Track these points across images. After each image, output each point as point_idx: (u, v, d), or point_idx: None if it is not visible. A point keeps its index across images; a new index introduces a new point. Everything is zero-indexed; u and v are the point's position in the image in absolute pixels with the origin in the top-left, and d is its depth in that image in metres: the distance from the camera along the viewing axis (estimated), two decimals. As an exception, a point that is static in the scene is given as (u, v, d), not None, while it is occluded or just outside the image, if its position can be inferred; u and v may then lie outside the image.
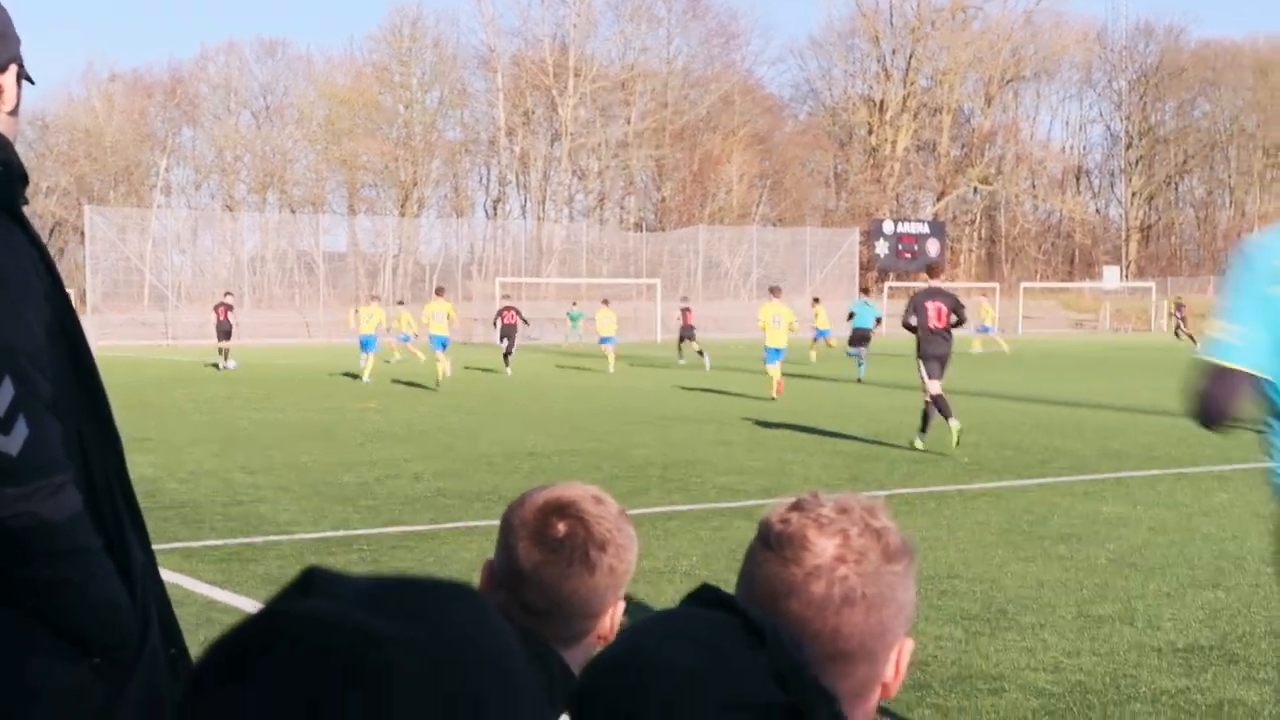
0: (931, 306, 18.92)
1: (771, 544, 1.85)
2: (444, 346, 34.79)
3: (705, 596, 1.80)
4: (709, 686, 1.64)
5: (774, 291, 31.22)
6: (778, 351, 28.92)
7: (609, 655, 1.74)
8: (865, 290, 35.85)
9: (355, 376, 36.72)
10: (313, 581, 1.03)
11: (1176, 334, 67.69)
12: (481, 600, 1.05)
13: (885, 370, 39.06)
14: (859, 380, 34.62)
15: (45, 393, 2.59)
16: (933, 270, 20.89)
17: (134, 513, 2.87)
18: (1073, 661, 7.52)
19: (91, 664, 2.63)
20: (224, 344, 44.64)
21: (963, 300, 19.59)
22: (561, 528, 2.40)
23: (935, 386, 18.58)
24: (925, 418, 18.65)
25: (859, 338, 37.06)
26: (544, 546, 2.40)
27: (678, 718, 1.63)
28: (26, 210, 2.87)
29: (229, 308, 45.25)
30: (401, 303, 62.40)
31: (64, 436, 2.64)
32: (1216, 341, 4.04)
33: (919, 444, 18.45)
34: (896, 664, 1.87)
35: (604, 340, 44.35)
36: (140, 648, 2.72)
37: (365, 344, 37.12)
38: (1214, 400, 4.06)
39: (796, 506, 1.88)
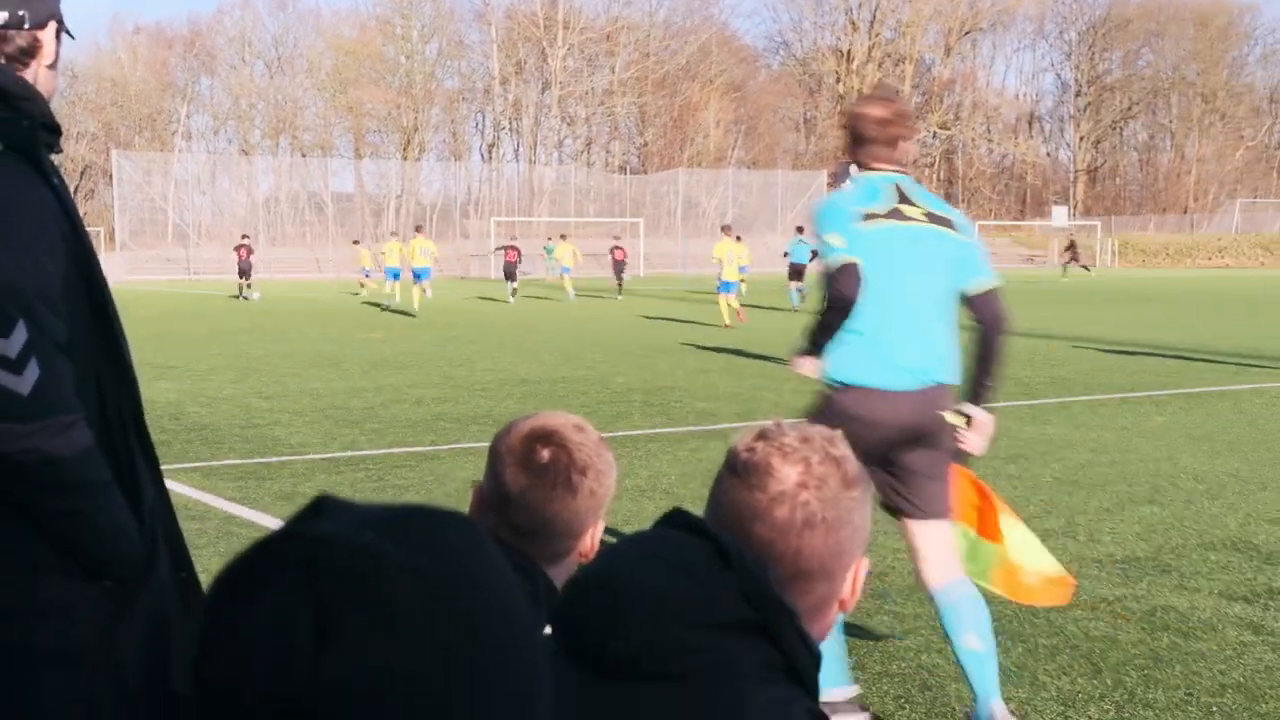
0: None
1: (738, 471, 1.86)
2: (424, 277, 37.00)
3: (676, 520, 1.82)
4: (682, 606, 1.65)
5: (725, 230, 32.63)
6: (729, 285, 30.19)
7: (587, 575, 1.76)
8: (801, 230, 40.20)
9: (379, 306, 36.63)
10: (323, 507, 1.04)
11: (1065, 270, 68.22)
12: (476, 527, 1.06)
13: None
14: (794, 309, 35.66)
15: (59, 335, 2.57)
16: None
17: (147, 451, 2.87)
18: (1019, 572, 7.56)
19: (101, 586, 2.64)
20: (245, 280, 44.91)
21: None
22: (545, 454, 2.42)
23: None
24: None
25: (795, 272, 37.82)
26: (529, 472, 2.42)
27: (653, 635, 1.65)
28: (59, 158, 2.85)
29: (249, 249, 45.54)
30: (395, 233, 62.09)
31: (80, 377, 2.62)
32: (833, 248, 5.10)
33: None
34: (853, 582, 1.89)
35: (563, 270, 47.64)
36: (148, 572, 2.73)
37: (419, 275, 37.53)
38: (843, 287, 5.04)
39: (761, 436, 1.89)
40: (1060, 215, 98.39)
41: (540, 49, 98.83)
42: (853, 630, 6.26)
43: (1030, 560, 5.18)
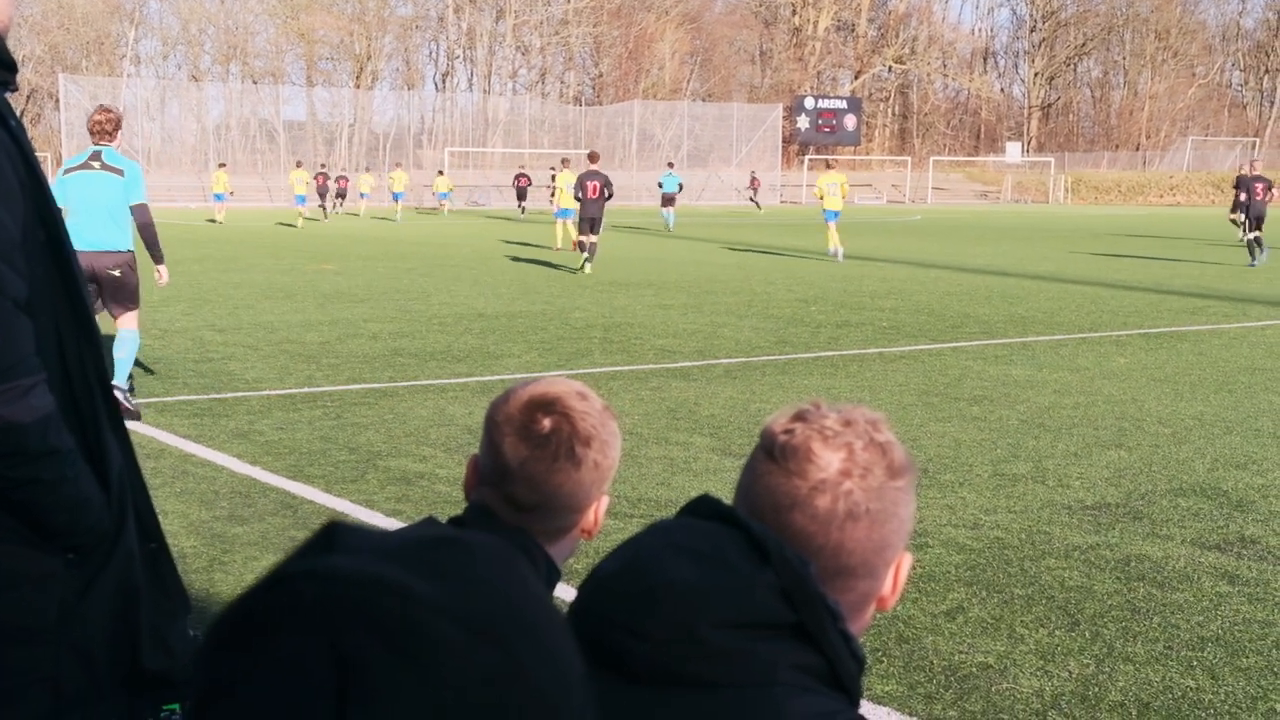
0: (589, 184, 26.77)
1: (775, 455, 1.69)
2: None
3: (704, 507, 1.66)
4: (714, 604, 1.50)
5: (565, 163, 35.32)
6: (566, 211, 31.94)
7: (609, 571, 1.60)
8: (671, 165, 49.21)
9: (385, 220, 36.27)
10: (334, 537, 0.89)
11: (754, 202, 72.05)
12: (509, 551, 0.92)
13: (813, 238, 39.10)
14: (668, 229, 44.89)
15: (18, 291, 2.39)
16: (593, 157, 28.68)
17: (112, 411, 2.68)
18: (990, 519, 7.49)
19: (65, 558, 2.46)
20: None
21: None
22: (547, 423, 2.26)
23: (593, 237, 26.54)
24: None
25: (666, 200, 47.69)
26: (530, 442, 2.25)
27: (682, 637, 1.50)
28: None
29: (325, 176, 55.14)
30: (400, 164, 68.57)
31: (42, 334, 2.44)
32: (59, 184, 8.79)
33: (588, 269, 25.80)
34: (895, 579, 1.74)
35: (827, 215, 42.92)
36: (114, 543, 2.56)
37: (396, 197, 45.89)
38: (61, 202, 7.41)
39: (799, 417, 1.71)
40: (1014, 151, 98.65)
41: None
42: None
43: None
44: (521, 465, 2.24)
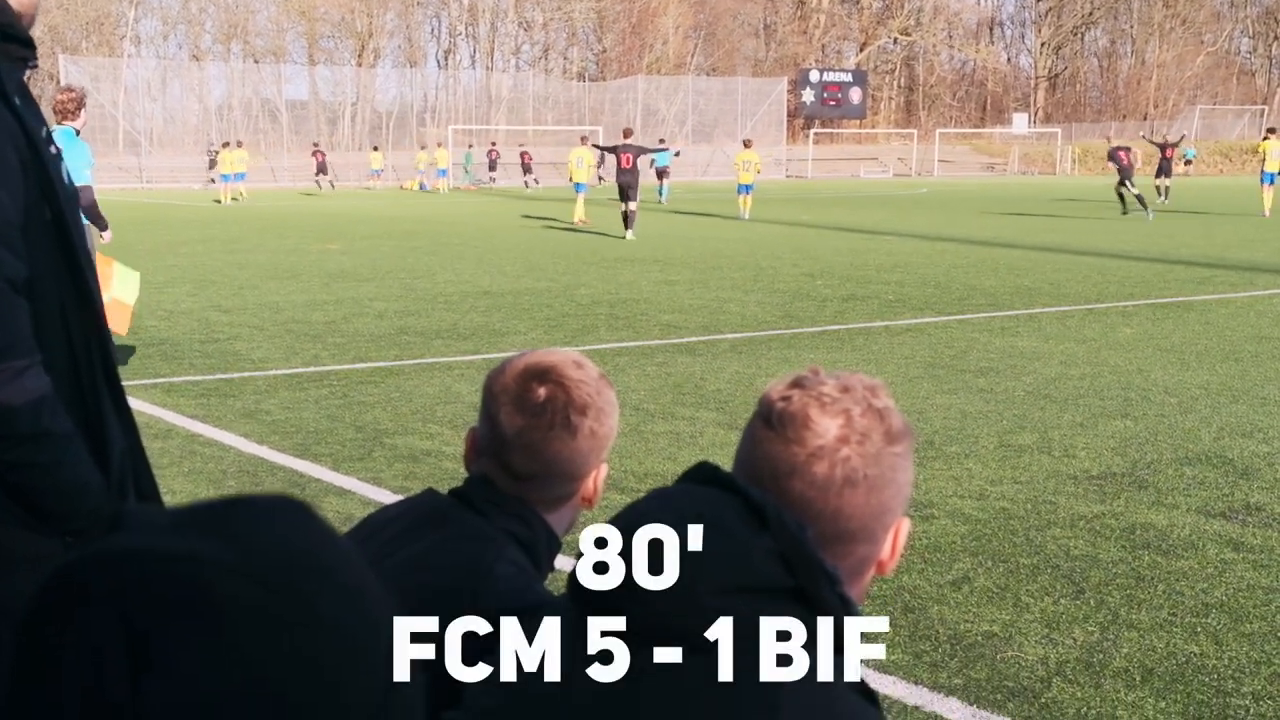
0: (624, 155, 29.58)
1: (773, 423, 1.72)
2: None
3: (703, 474, 1.69)
4: (716, 569, 1.54)
5: (584, 140, 37.80)
6: (581, 186, 34.30)
7: (608, 534, 1.64)
8: (662, 140, 55.83)
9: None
10: (123, 519, 0.91)
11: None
12: (308, 511, 0.93)
13: (820, 212, 39.08)
14: (660, 202, 45.87)
15: (15, 273, 2.39)
16: (626, 133, 31.47)
17: (116, 392, 2.68)
18: (996, 489, 7.53)
19: (63, 540, 2.48)
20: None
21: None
22: (542, 392, 2.29)
23: (631, 205, 28.73)
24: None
25: (660, 173, 49.03)
26: (525, 412, 2.29)
27: (685, 602, 1.53)
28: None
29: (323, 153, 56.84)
30: (441, 144, 69.56)
31: (45, 313, 2.45)
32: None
33: (630, 236, 28.02)
34: (893, 544, 1.78)
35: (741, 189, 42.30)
36: None
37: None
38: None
39: (797, 384, 1.74)
40: (1021, 122, 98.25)
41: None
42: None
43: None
44: (518, 434, 2.28)
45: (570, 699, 1.57)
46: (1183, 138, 45.95)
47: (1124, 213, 36.41)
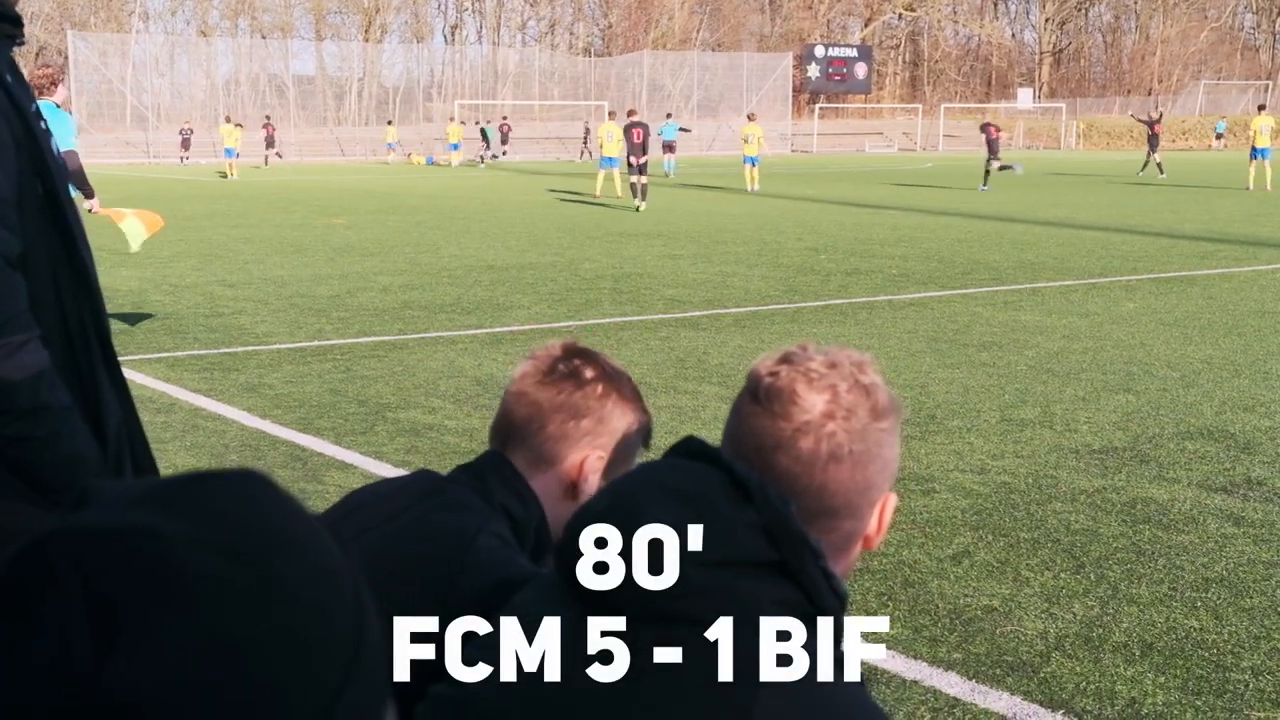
0: (634, 130, 31.34)
1: (760, 398, 1.70)
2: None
3: (689, 448, 1.67)
4: (699, 543, 1.52)
5: (612, 115, 37.61)
6: (611, 160, 33.99)
7: (595, 509, 1.62)
8: (670, 115, 54.99)
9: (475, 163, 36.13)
10: (87, 496, 0.90)
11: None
12: (272, 485, 0.91)
13: (825, 187, 39.04)
14: (667, 175, 46.46)
15: (10, 249, 2.38)
16: (631, 113, 33.57)
17: (111, 364, 2.67)
18: (997, 463, 7.49)
19: (60, 512, 2.46)
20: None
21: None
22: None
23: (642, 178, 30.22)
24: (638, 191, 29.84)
25: (667, 147, 48.44)
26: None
27: (666, 575, 1.52)
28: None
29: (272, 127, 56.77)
30: (453, 118, 69.54)
31: (39, 290, 2.44)
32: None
33: (642, 207, 29.21)
34: (880, 518, 1.75)
35: (747, 160, 41.52)
36: None
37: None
38: None
39: (785, 359, 1.72)
40: (1025, 97, 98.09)
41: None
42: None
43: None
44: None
45: (549, 685, 1.56)
46: (1161, 115, 49.79)
47: (985, 186, 38.94)
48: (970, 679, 4.66)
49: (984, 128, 41.67)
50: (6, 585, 0.83)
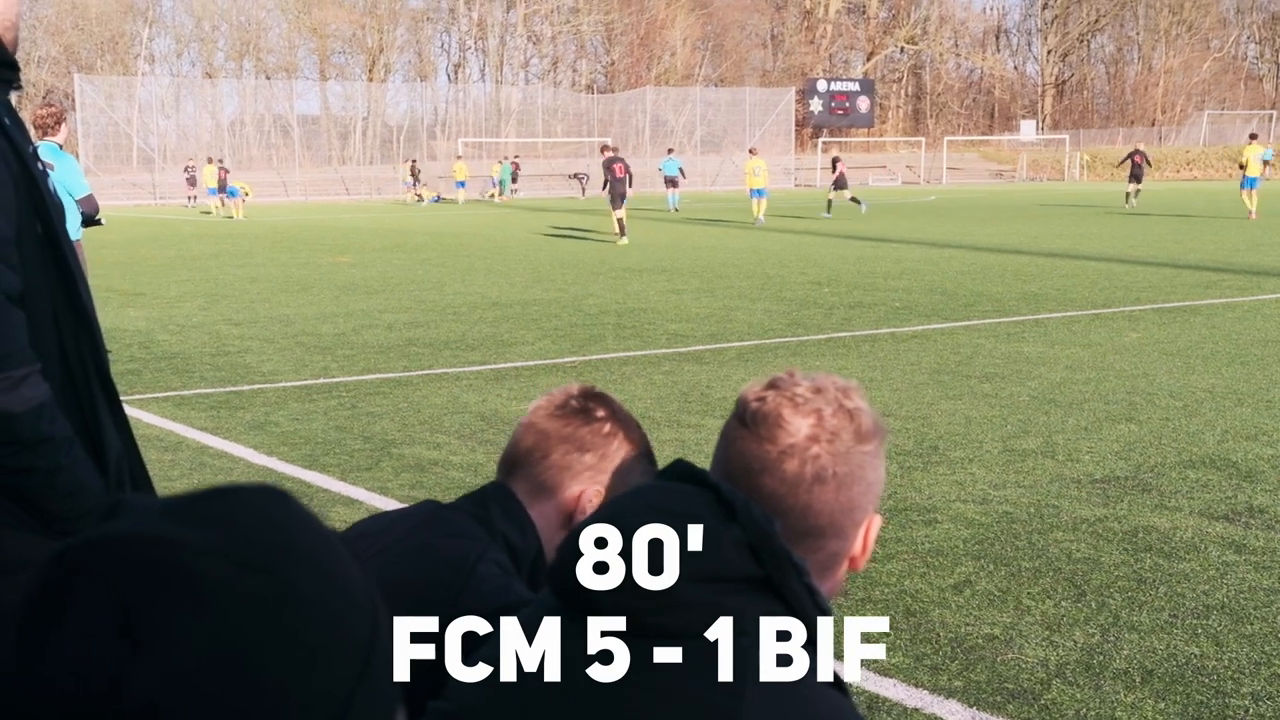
0: (615, 166, 32.23)
1: (747, 421, 1.76)
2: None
3: (678, 470, 1.73)
4: (686, 560, 1.57)
5: (610, 148, 38.15)
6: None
7: (585, 528, 1.67)
8: (671, 150, 56.32)
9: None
10: (118, 508, 0.95)
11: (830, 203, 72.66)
12: (290, 499, 0.97)
13: (830, 223, 39.13)
14: (675, 210, 47.87)
15: (11, 286, 2.44)
16: (604, 149, 35.08)
17: (111, 397, 2.73)
18: (999, 493, 7.53)
19: (62, 541, 2.51)
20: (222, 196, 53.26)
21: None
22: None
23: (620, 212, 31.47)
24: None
25: (669, 182, 49.92)
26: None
27: (655, 591, 1.56)
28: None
29: (226, 170, 51.13)
30: (460, 156, 71.14)
31: (39, 326, 2.50)
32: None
33: (625, 241, 30.09)
34: (865, 539, 1.81)
35: (755, 193, 40.82)
36: None
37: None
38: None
39: (772, 385, 1.79)
40: (1029, 129, 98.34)
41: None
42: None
43: None
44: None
45: (549, 688, 1.60)
46: (1137, 148, 50.82)
47: (828, 214, 42.63)
48: (971, 706, 4.69)
49: (834, 161, 44.50)
50: (40, 588, 0.89)
